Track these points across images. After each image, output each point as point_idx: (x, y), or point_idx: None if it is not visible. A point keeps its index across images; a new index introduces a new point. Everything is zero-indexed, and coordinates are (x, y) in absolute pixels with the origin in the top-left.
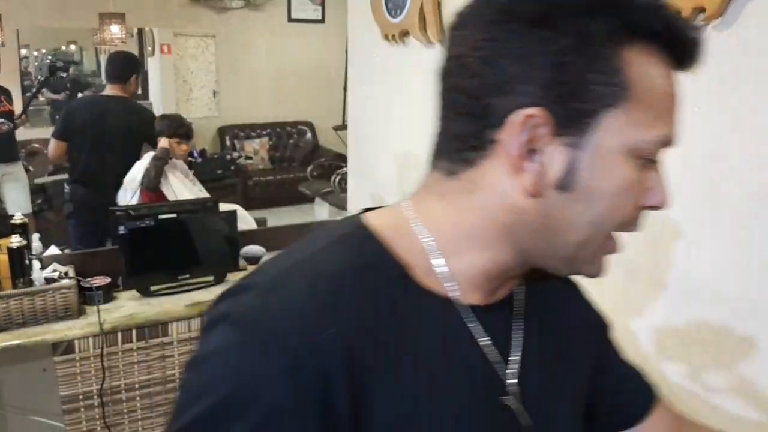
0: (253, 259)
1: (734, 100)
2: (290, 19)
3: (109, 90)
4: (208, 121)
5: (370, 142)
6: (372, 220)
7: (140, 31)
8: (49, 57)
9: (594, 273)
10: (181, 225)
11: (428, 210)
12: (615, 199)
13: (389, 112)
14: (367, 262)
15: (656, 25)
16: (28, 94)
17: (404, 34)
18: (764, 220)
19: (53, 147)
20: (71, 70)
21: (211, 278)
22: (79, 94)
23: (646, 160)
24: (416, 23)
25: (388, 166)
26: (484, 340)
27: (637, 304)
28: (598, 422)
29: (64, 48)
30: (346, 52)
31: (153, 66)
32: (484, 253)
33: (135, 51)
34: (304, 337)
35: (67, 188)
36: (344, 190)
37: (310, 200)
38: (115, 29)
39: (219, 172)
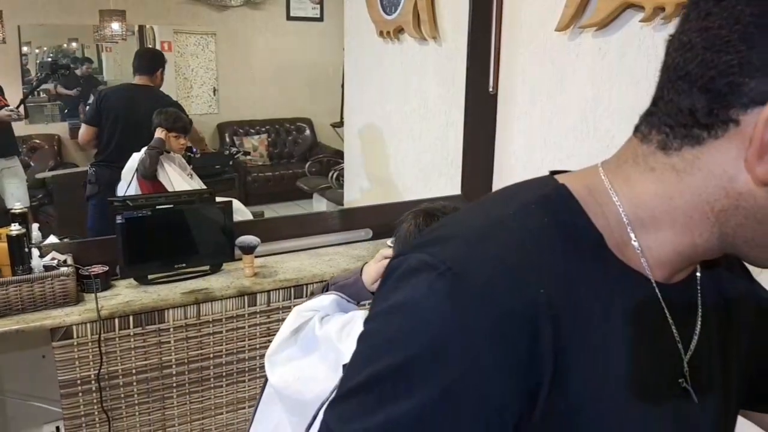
0: (247, 249)
1: (642, 93)
2: (289, 17)
3: (138, 80)
4: (208, 118)
5: (367, 138)
6: (570, 182)
7: (141, 29)
8: (51, 55)
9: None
10: (178, 215)
11: (629, 181)
12: None
13: (384, 108)
14: (570, 226)
15: None
16: (25, 89)
17: (399, 31)
18: None
19: (83, 132)
20: (85, 67)
21: (207, 267)
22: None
23: None
24: (410, 20)
25: (383, 160)
26: (672, 317)
27: None
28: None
29: (65, 46)
30: (344, 49)
31: None
32: (685, 235)
33: (135, 48)
34: (518, 292)
35: (91, 170)
36: (342, 186)
37: (308, 196)
38: (115, 26)
39: (217, 167)
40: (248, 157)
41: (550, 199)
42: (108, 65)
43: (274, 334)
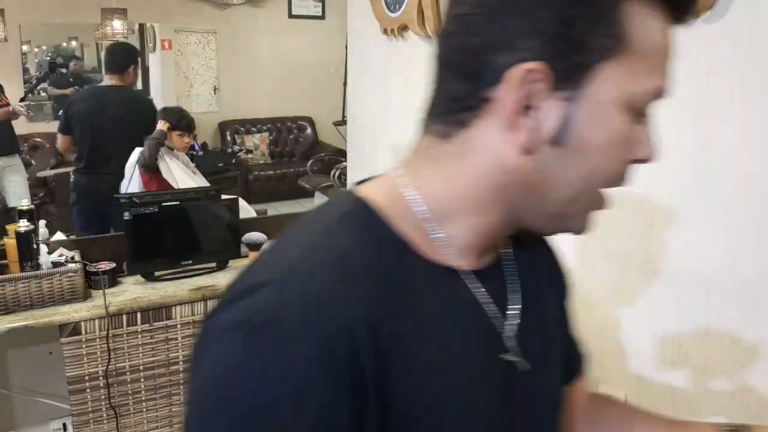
0: (254, 246)
1: (725, 91)
2: (291, 16)
3: (108, 80)
4: (209, 117)
5: (370, 136)
6: (368, 193)
7: (141, 27)
8: (49, 54)
9: (580, 229)
10: (184, 212)
11: (422, 176)
12: (608, 152)
13: (388, 106)
14: (374, 238)
15: None
16: (25, 87)
17: (403, 28)
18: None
19: (60, 141)
20: (72, 64)
21: (213, 264)
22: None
23: (638, 114)
24: (415, 18)
25: (387, 159)
26: (485, 301)
27: (629, 293)
28: None
29: (65, 44)
30: (346, 48)
31: (154, 61)
32: (478, 216)
33: (136, 46)
34: (334, 321)
35: (72, 177)
36: (344, 184)
37: (309, 194)
38: (116, 24)
39: (220, 165)
40: (249, 156)
41: (352, 217)
42: None
43: None
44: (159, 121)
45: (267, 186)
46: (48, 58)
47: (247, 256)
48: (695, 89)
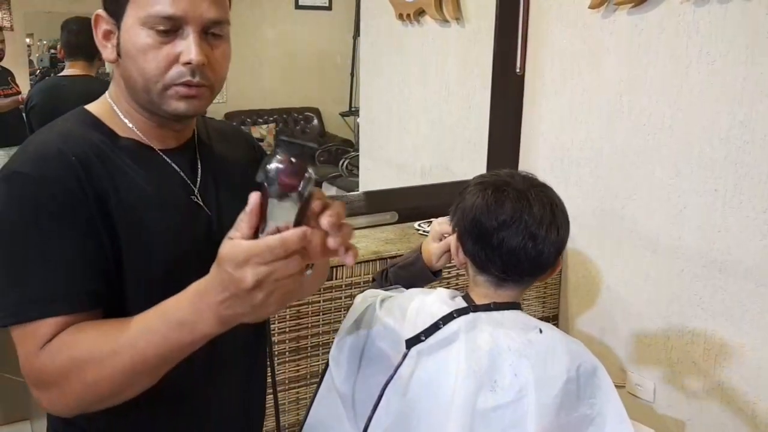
0: None
1: (729, 76)
2: (297, 6)
3: (69, 69)
4: (215, 107)
5: (384, 124)
6: (88, 107)
7: None
8: (51, 49)
9: (172, 109)
10: None
11: (112, 89)
12: (142, 56)
13: (403, 93)
14: (88, 123)
15: None
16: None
17: (419, 13)
18: None
19: None
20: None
21: None
22: None
23: (161, 31)
24: (432, 2)
25: (403, 146)
26: (177, 167)
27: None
28: None
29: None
30: (354, 38)
31: None
32: (129, 104)
33: None
34: (59, 163)
35: None
36: (352, 174)
37: (317, 184)
38: None
39: None
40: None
41: (75, 113)
42: None
43: (301, 316)
44: None
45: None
46: (49, 52)
47: None
48: (732, 69)
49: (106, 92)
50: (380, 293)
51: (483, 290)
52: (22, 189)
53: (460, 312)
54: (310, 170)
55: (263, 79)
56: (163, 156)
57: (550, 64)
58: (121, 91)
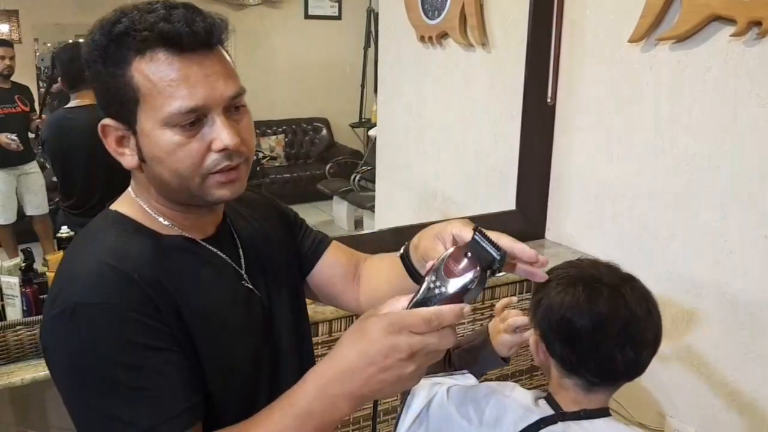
0: None
1: (728, 111)
2: (307, 16)
3: (74, 100)
4: None
5: (402, 145)
6: (117, 207)
7: None
8: (53, 51)
9: (216, 198)
10: None
11: (137, 189)
12: (172, 157)
13: (422, 114)
14: (130, 231)
15: (149, 35)
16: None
17: (442, 36)
18: None
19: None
20: None
21: None
22: None
23: (187, 126)
24: (457, 26)
25: (423, 169)
26: (222, 255)
27: None
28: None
29: (71, 41)
30: (364, 49)
31: None
32: (161, 205)
33: None
34: (124, 284)
35: (61, 215)
36: (363, 189)
37: (327, 197)
38: None
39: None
40: (274, 162)
41: (109, 220)
42: None
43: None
44: None
45: (284, 189)
46: (52, 54)
47: None
48: (704, 111)
49: (129, 189)
50: (446, 381)
51: (572, 395)
52: (93, 322)
53: (548, 422)
54: (485, 278)
55: (272, 89)
56: (210, 247)
57: (584, 96)
58: (147, 192)
